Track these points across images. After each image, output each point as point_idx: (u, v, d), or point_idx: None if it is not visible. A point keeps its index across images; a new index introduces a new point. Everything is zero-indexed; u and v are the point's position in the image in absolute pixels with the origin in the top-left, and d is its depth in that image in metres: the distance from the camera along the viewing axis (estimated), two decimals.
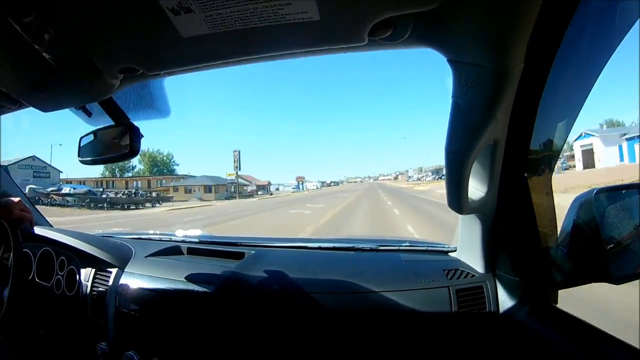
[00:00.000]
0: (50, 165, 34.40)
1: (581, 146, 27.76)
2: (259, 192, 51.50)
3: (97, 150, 0.93)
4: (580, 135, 27.79)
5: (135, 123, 0.88)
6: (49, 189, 25.56)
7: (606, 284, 0.70)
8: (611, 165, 22.50)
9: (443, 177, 0.86)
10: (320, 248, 1.29)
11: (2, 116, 1.20)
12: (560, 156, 0.78)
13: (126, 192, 30.76)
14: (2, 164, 1.57)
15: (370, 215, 12.08)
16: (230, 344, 1.00)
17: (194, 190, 40.41)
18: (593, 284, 0.73)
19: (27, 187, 21.13)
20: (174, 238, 1.47)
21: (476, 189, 0.80)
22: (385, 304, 0.94)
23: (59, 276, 1.24)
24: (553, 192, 0.80)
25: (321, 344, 0.95)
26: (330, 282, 1.02)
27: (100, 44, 0.62)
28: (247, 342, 0.99)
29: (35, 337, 1.29)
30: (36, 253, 1.30)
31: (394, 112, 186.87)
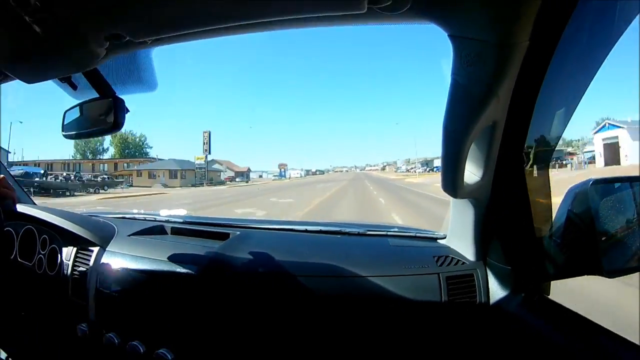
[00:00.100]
0: None
1: (603, 139, 24.57)
2: (237, 179, 49.53)
3: (81, 124, 0.93)
4: (603, 126, 25.02)
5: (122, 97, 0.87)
6: None
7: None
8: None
9: (436, 170, 0.87)
10: (306, 231, 1.31)
11: None
12: (558, 148, 0.81)
13: (64, 175, 28.22)
14: None
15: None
16: (213, 326, 1.00)
17: (158, 176, 37.89)
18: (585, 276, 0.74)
19: None
20: (158, 218, 1.49)
21: (472, 172, 0.81)
22: (373, 289, 0.95)
23: (40, 255, 1.24)
24: (550, 181, 0.81)
25: (306, 327, 0.96)
26: (316, 265, 1.03)
27: (84, 7, 0.60)
28: (230, 324, 0.99)
29: (17, 318, 1.29)
30: (19, 231, 1.30)
31: (383, 103, 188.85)
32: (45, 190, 21.83)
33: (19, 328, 1.29)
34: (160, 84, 1.02)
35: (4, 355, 1.33)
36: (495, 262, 0.94)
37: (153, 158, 48.99)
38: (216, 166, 49.95)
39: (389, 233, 1.25)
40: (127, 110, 0.86)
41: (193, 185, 36.63)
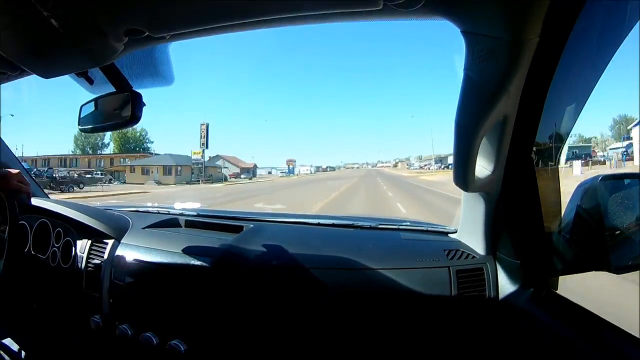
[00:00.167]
0: None
1: None
2: (242, 176, 48.44)
3: (97, 118, 0.97)
4: None
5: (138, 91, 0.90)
6: None
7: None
8: None
9: (450, 167, 0.91)
10: (319, 224, 1.34)
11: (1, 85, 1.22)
12: (569, 140, 0.83)
13: (34, 172, 23.50)
14: None
15: None
16: (226, 318, 1.03)
17: (152, 172, 35.57)
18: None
19: None
20: (172, 211, 1.54)
21: (483, 167, 0.83)
22: (385, 281, 0.98)
23: (54, 248, 1.28)
24: (559, 177, 0.83)
25: (319, 319, 0.99)
26: (329, 258, 1.06)
27: (106, 3, 0.62)
28: (243, 316, 1.02)
29: (30, 311, 1.34)
30: (33, 225, 1.35)
31: (396, 99, 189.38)
32: None
33: (32, 320, 1.34)
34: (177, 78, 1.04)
35: (16, 347, 1.37)
36: (504, 256, 0.96)
37: (150, 153, 47.56)
38: (220, 162, 48.56)
39: (400, 227, 1.27)
40: (144, 104, 0.89)
41: (188, 183, 34.26)
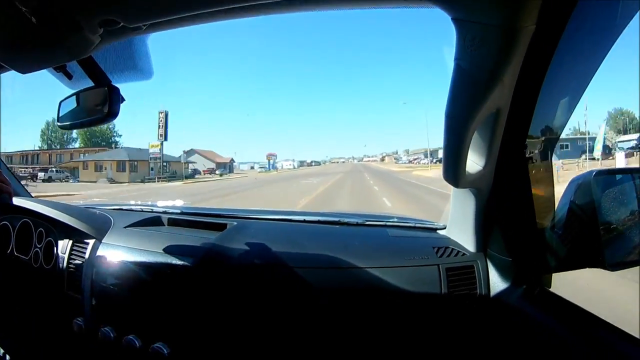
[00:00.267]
0: None
1: None
2: (217, 171, 45.24)
3: (76, 114, 0.98)
4: None
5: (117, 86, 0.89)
6: None
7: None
8: None
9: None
10: (304, 221, 1.35)
11: None
12: (562, 134, 0.85)
13: None
14: None
15: None
16: (210, 319, 1.04)
17: (105, 168, 33.00)
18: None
19: None
20: (155, 209, 1.54)
21: (474, 162, 0.82)
22: (372, 280, 0.98)
23: (37, 249, 1.29)
24: (553, 171, 0.83)
25: (304, 320, 0.99)
26: (314, 257, 1.06)
27: None
28: (227, 317, 1.03)
29: (13, 314, 1.34)
30: (15, 225, 1.35)
31: (382, 93, 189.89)
32: None
33: (15, 323, 1.35)
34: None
35: (1, 351, 1.37)
36: (496, 253, 0.96)
37: (108, 147, 44.07)
38: (196, 157, 46.15)
39: (388, 223, 1.28)
40: (123, 99, 0.89)
41: (142, 181, 31.17)
